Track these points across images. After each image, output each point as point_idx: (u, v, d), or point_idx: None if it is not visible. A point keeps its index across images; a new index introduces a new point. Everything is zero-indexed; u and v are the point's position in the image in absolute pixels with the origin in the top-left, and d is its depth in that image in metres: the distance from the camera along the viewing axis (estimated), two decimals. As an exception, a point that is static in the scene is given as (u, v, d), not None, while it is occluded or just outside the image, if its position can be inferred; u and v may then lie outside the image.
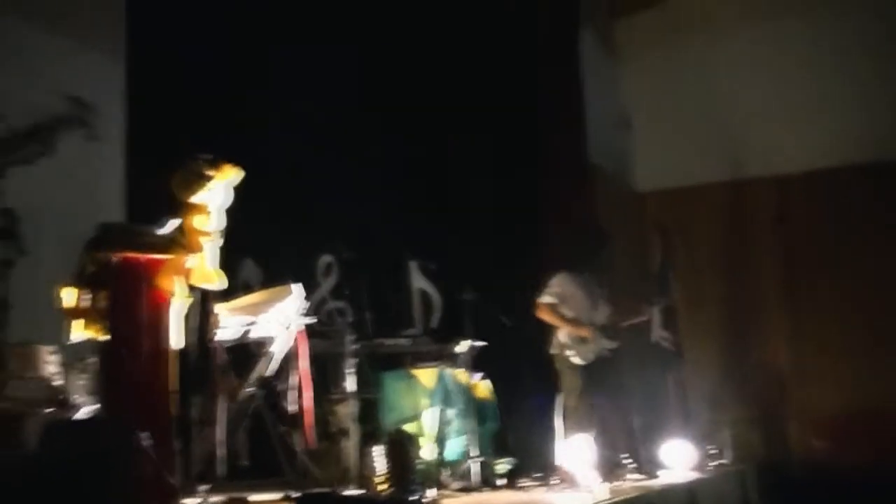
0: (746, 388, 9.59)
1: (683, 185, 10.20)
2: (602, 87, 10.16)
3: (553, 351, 7.12)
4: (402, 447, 4.68)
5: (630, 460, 6.85)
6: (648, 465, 7.00)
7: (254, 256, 8.84)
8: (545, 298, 7.05)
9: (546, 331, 7.18)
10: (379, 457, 4.53)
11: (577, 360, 6.97)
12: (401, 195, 8.57)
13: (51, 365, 6.26)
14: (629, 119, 10.65)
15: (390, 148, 8.78)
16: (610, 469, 6.57)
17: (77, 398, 6.16)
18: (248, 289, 8.39)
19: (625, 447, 6.94)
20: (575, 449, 6.48)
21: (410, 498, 4.07)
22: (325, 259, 8.83)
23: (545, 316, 7.05)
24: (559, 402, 6.96)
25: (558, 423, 6.86)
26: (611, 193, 9.87)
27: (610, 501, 5.15)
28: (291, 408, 5.70)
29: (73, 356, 6.30)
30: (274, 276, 8.49)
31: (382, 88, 8.80)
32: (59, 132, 3.47)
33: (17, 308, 6.01)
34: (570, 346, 6.98)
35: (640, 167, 10.67)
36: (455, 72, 8.76)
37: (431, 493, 5.32)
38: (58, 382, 6.28)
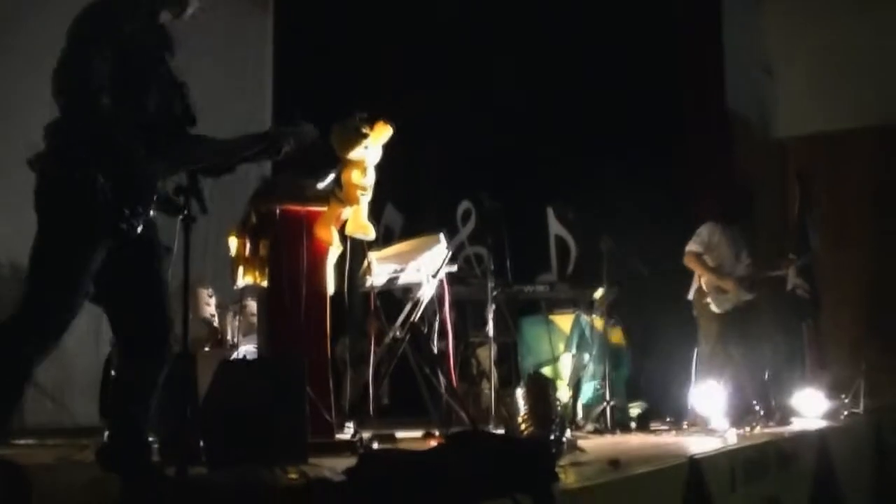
0: (885, 334, 9.47)
1: (826, 131, 10.04)
2: (741, 32, 10.04)
3: (691, 298, 7.25)
4: (542, 389, 4.88)
5: (762, 408, 6.95)
6: (780, 413, 7.09)
7: (394, 202, 9.19)
8: (692, 246, 7.18)
9: (682, 279, 7.31)
10: (520, 398, 4.74)
11: (714, 309, 7.09)
12: (540, 141, 8.71)
13: (209, 307, 6.74)
14: (769, 65, 10.51)
15: (527, 94, 8.91)
16: (741, 416, 6.68)
17: (233, 338, 6.61)
18: (389, 233, 8.77)
19: (757, 395, 7.03)
20: (707, 395, 6.63)
21: (552, 437, 4.28)
22: (464, 205, 9.09)
23: (690, 263, 7.19)
24: (696, 349, 7.11)
25: (692, 369, 7.01)
26: (751, 141, 9.80)
27: (740, 446, 5.25)
28: (435, 351, 6.00)
29: (229, 299, 6.76)
30: (414, 222, 8.84)
31: (520, 34, 8.92)
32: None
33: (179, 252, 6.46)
34: (710, 295, 7.11)
35: (782, 114, 10.53)
36: (594, 23, 8.80)
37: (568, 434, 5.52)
38: (216, 323, 6.76)
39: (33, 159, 3.33)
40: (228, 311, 6.81)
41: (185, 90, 3.58)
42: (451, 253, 6.11)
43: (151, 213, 3.40)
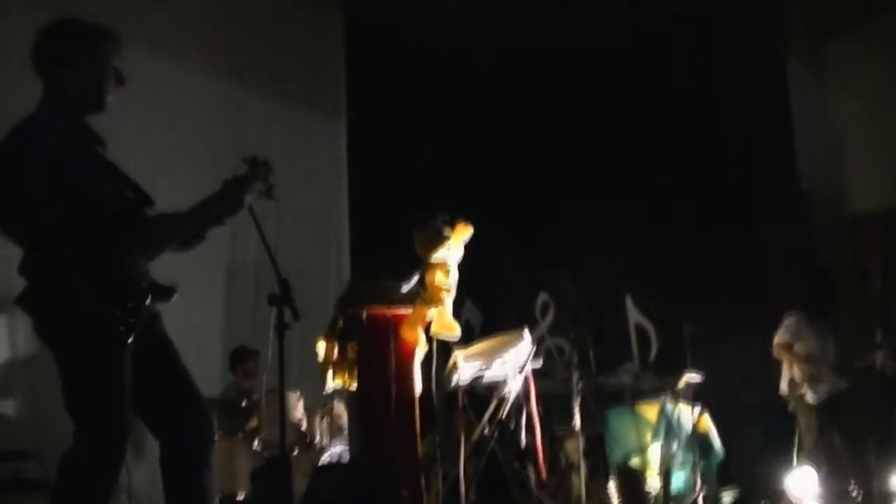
0: None
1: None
2: (811, 111, 10.06)
3: (784, 391, 7.19)
4: (634, 480, 4.88)
5: (859, 492, 6.80)
6: (880, 498, 6.93)
7: (473, 297, 9.30)
8: (780, 338, 7.14)
9: (771, 364, 7.27)
10: (612, 491, 4.73)
11: (810, 400, 7.01)
12: (618, 230, 8.77)
13: (298, 410, 6.85)
14: (840, 141, 10.48)
15: (600, 183, 9.00)
16: (837, 501, 6.55)
17: (322, 441, 6.70)
18: (469, 330, 8.84)
19: (857, 480, 6.89)
20: (802, 480, 6.53)
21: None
22: (543, 297, 9.16)
23: (781, 355, 7.14)
24: (796, 436, 7.04)
25: (791, 456, 6.93)
26: (827, 218, 9.74)
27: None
28: (523, 446, 6.01)
29: (317, 401, 6.86)
30: (493, 316, 8.92)
31: (589, 121, 9.05)
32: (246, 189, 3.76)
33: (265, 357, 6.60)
34: (804, 386, 7.04)
35: (855, 190, 10.46)
36: (661, 113, 8.91)
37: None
38: (304, 426, 6.86)
39: (18, 300, 3.30)
40: (316, 413, 6.91)
41: (128, 176, 3.56)
42: (533, 345, 6.13)
43: (147, 304, 3.37)
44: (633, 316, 9.05)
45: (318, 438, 6.84)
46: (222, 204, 3.66)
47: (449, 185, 9.08)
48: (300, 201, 8.66)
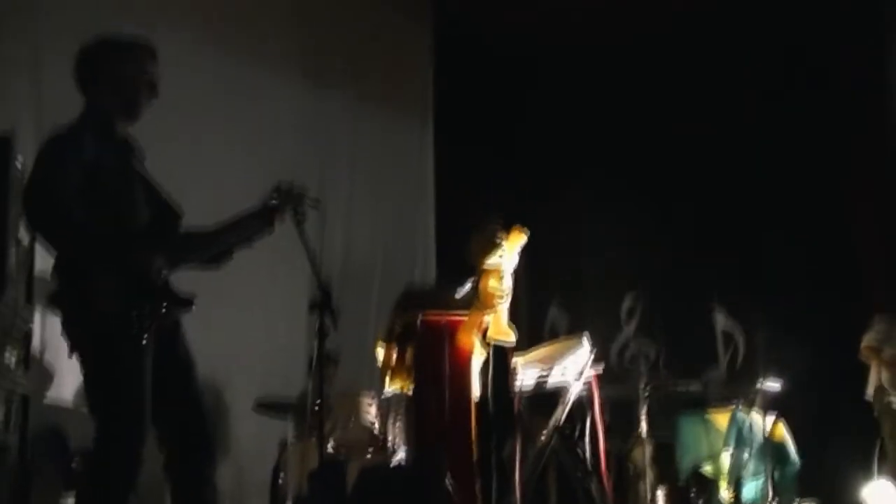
0: None
1: None
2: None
3: (871, 394, 7.00)
4: (701, 489, 4.83)
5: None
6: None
7: (559, 302, 9.29)
8: (868, 340, 6.97)
9: (857, 372, 7.09)
10: (661, 499, 4.70)
11: (897, 405, 6.83)
12: (703, 234, 8.67)
13: (370, 412, 6.94)
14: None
15: (688, 186, 8.90)
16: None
17: (394, 443, 6.77)
18: (554, 333, 8.84)
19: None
20: (881, 492, 6.36)
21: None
22: (628, 302, 9.09)
23: (868, 358, 6.97)
24: (876, 445, 6.85)
25: (874, 465, 6.75)
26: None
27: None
28: (587, 453, 6.00)
29: (389, 404, 6.95)
30: (578, 321, 8.89)
31: (678, 123, 8.95)
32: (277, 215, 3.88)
33: (342, 360, 6.73)
34: (892, 391, 6.85)
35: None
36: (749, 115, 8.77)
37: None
38: (377, 428, 6.95)
39: (49, 299, 3.47)
40: (389, 415, 7.00)
41: (160, 189, 3.68)
42: (613, 348, 6.12)
43: (164, 310, 3.47)
44: (721, 323, 8.90)
45: (391, 440, 6.92)
46: (251, 226, 3.80)
47: (536, 184, 9.12)
48: (388, 201, 8.83)
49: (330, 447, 6.74)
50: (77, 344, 3.44)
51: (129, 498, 3.40)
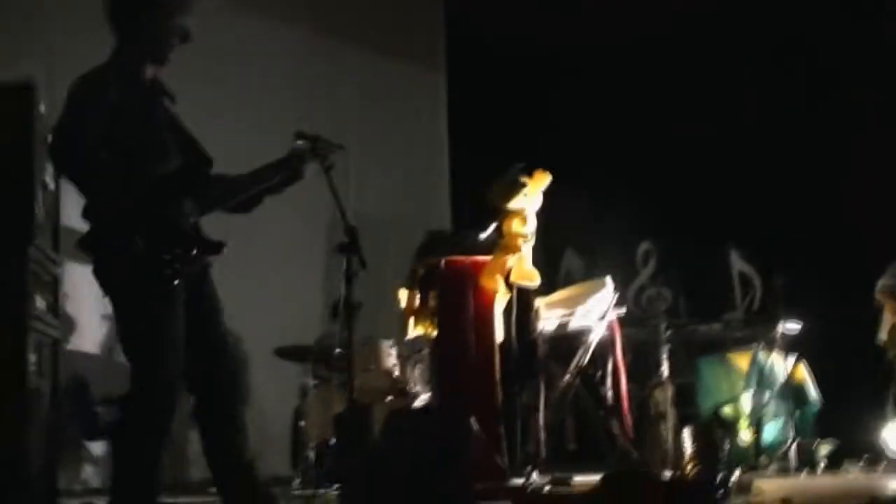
0: None
1: None
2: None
3: (883, 337, 6.99)
4: (707, 429, 4.86)
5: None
6: None
7: (575, 247, 9.27)
8: (883, 283, 6.95)
9: (872, 316, 7.08)
10: (687, 439, 4.72)
11: (911, 348, 6.83)
12: (719, 178, 8.63)
13: (391, 358, 6.96)
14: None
15: (704, 130, 8.84)
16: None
17: (414, 387, 6.80)
18: (570, 278, 8.83)
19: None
20: (897, 433, 6.39)
21: (715, 478, 4.21)
22: (644, 246, 9.07)
23: (884, 300, 6.95)
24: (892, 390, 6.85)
25: (889, 408, 6.76)
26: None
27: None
28: (609, 394, 6.02)
29: (409, 349, 6.97)
30: (594, 266, 8.87)
31: (700, 76, 8.89)
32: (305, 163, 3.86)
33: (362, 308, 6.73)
34: None
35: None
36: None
37: (744, 475, 5.40)
38: (397, 373, 6.98)
39: (79, 242, 3.44)
40: (410, 360, 7.02)
41: (190, 132, 3.68)
42: (629, 293, 6.11)
43: (195, 253, 3.47)
44: (737, 264, 8.87)
45: (410, 385, 6.95)
46: (280, 173, 3.78)
47: (550, 133, 9.06)
48: (400, 151, 8.80)
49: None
50: (109, 288, 3.43)
51: (165, 441, 3.42)
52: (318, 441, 6.27)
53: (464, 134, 9.16)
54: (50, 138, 3.46)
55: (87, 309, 6.02)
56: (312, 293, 7.75)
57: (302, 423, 6.42)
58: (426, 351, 6.84)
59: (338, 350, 6.96)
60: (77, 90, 3.40)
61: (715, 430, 4.80)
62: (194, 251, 3.44)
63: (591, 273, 8.19)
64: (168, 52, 3.61)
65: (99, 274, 3.42)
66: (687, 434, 4.69)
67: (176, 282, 3.34)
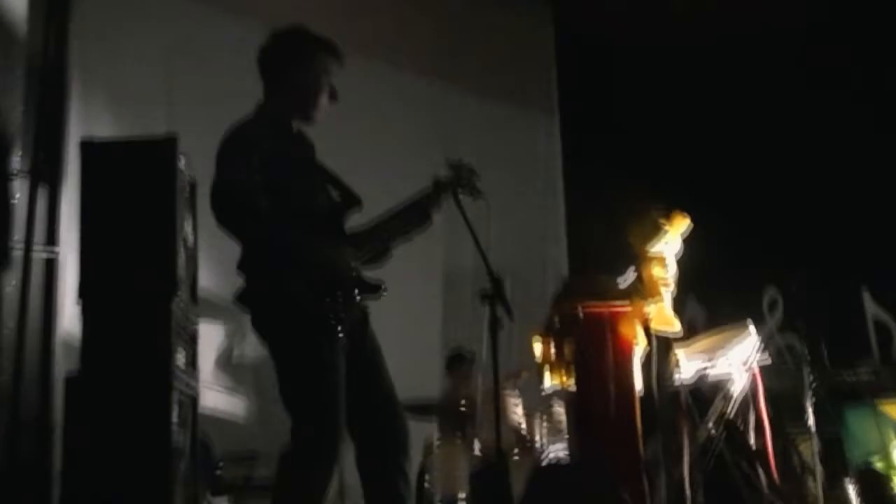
0: None
1: None
2: None
3: None
4: (876, 482, 4.56)
5: None
6: None
7: (696, 294, 8.99)
8: None
9: None
10: (851, 492, 4.43)
11: None
12: (850, 217, 8.34)
13: (517, 413, 6.78)
14: None
15: (830, 170, 8.58)
16: None
17: (541, 443, 6.61)
18: (692, 328, 8.56)
19: None
20: None
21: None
22: (771, 293, 8.77)
23: None
24: None
25: None
26: None
27: None
28: (752, 446, 5.74)
29: (535, 403, 6.78)
30: (716, 314, 8.59)
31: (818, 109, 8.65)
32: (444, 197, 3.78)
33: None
34: None
35: None
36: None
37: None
38: (523, 429, 6.79)
39: (236, 297, 3.41)
40: (535, 415, 6.83)
41: (338, 177, 3.67)
42: (761, 343, 5.88)
43: (357, 297, 3.38)
44: (872, 309, 8.53)
45: (537, 440, 6.75)
46: (411, 219, 3.74)
47: (666, 177, 8.85)
48: (515, 198, 8.68)
49: (476, 449, 6.62)
50: (269, 339, 3.33)
51: (327, 493, 3.30)
52: (444, 497, 6.13)
53: (579, 178, 9.07)
54: (210, 193, 3.39)
55: (205, 367, 6.01)
56: (431, 349, 7.65)
57: (427, 479, 6.27)
58: (553, 404, 6.68)
59: (463, 405, 6.84)
60: (230, 143, 3.39)
61: (884, 482, 4.49)
62: (356, 294, 3.35)
63: (714, 322, 7.94)
64: (316, 109, 3.57)
65: (258, 325, 3.34)
66: (849, 486, 4.39)
67: (339, 329, 3.24)
